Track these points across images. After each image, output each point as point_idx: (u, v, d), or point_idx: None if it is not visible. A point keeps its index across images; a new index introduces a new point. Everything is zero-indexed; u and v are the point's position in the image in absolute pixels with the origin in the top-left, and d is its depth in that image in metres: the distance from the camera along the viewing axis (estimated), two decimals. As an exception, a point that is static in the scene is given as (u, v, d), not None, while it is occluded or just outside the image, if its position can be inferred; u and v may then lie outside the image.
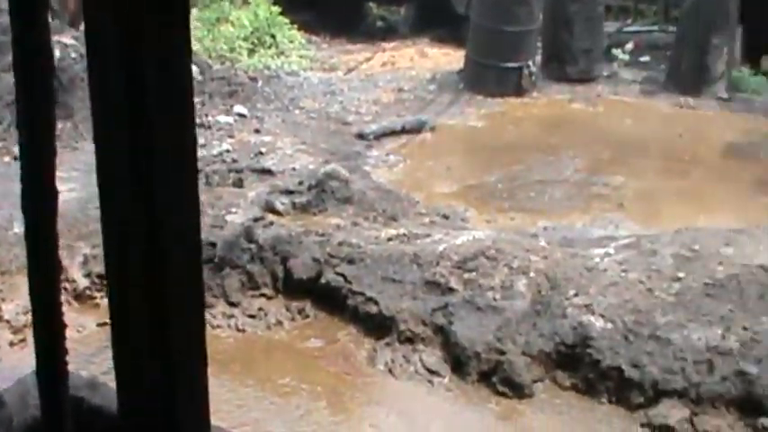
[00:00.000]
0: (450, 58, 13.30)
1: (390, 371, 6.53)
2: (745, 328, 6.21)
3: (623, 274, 6.61)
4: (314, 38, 14.41)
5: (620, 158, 10.10)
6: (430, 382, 6.45)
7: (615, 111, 11.62)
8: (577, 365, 6.32)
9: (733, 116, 11.68)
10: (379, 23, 15.89)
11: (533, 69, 12.03)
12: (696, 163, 10.16)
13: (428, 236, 7.47)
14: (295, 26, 13.63)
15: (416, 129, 10.83)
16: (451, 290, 6.82)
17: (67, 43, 10.11)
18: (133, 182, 1.38)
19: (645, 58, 13.35)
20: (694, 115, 11.64)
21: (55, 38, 8.87)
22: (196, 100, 8.20)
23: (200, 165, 1.84)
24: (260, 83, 11.75)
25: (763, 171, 10.11)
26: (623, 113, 11.53)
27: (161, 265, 1.42)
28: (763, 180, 9.87)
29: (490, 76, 12.00)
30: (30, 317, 1.73)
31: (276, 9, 13.48)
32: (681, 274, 6.53)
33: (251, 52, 13.07)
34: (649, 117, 11.42)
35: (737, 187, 9.60)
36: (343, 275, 7.03)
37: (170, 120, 1.38)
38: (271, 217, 7.73)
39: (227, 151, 9.59)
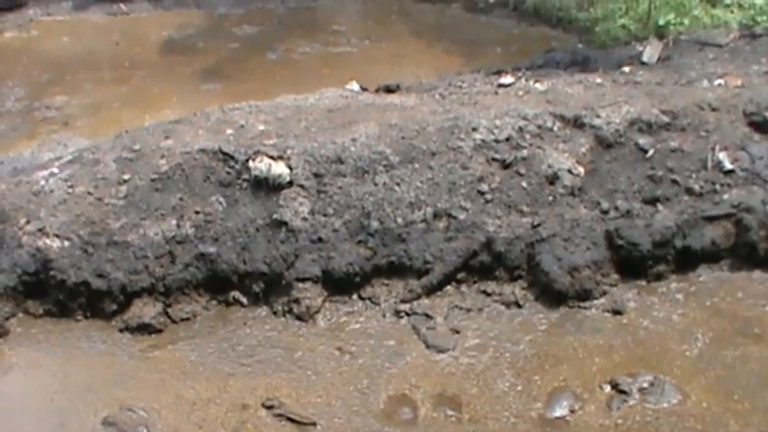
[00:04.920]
0: None
1: None
2: (197, 212, 6.45)
3: (70, 190, 6.56)
4: None
5: (60, 79, 9.96)
6: None
7: (50, 32, 11.40)
8: (46, 291, 6.26)
9: (167, 14, 11.95)
10: None
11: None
12: (137, 67, 10.28)
13: None
14: None
15: None
16: None
17: None
18: None
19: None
20: (129, 20, 11.74)
21: None
22: None
23: None
24: None
25: (202, 60, 10.47)
26: (58, 33, 11.35)
27: None
28: (204, 69, 10.23)
29: None
30: None
31: None
32: (126, 176, 6.60)
33: None
34: (84, 31, 11.34)
35: (180, 81, 9.87)
36: None
37: None
38: None
39: None
